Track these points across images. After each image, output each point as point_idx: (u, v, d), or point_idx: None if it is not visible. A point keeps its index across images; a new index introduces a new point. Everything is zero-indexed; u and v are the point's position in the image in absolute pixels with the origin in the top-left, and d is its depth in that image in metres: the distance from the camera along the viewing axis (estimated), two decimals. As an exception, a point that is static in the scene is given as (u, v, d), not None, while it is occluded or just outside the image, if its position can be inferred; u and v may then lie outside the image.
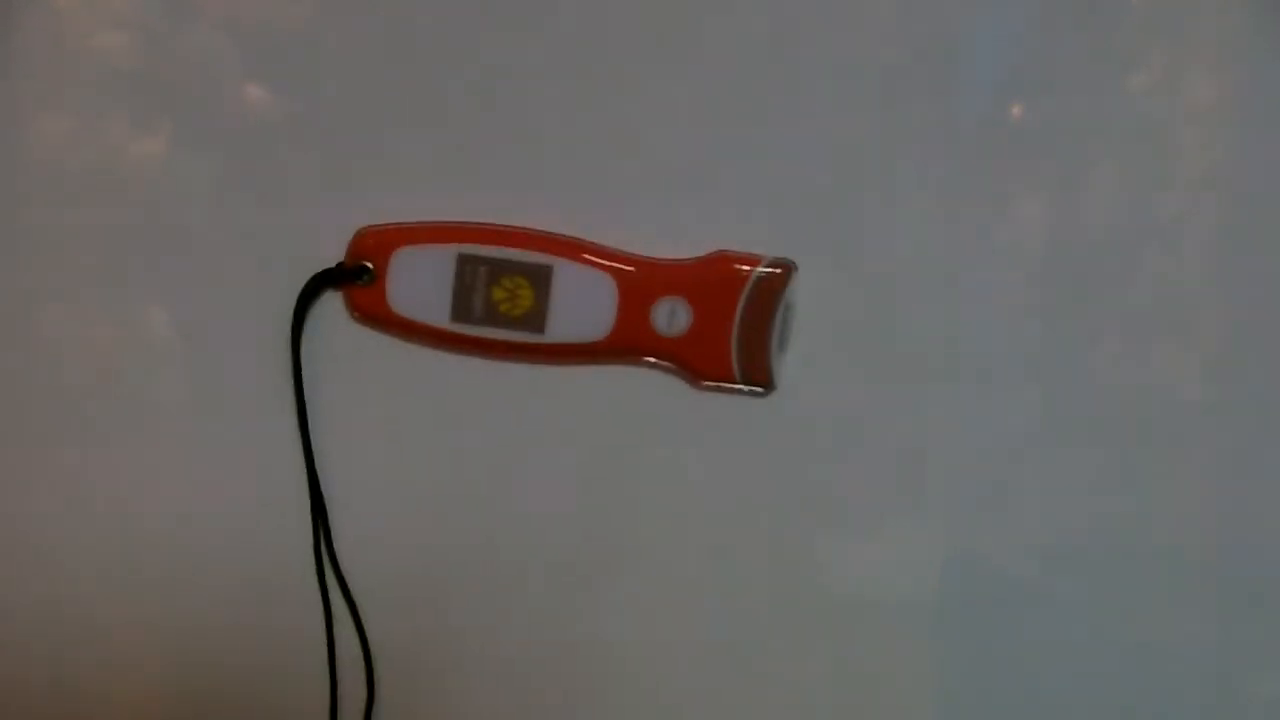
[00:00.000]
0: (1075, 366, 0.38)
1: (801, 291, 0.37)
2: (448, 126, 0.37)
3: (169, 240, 0.38)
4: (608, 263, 0.36)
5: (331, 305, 0.38)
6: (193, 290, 0.38)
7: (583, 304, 0.36)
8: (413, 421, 0.39)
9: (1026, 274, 0.37)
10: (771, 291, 0.36)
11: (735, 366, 0.37)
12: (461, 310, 0.37)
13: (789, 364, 0.38)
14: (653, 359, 0.37)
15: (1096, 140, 0.36)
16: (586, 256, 0.36)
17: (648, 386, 0.38)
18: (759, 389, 0.38)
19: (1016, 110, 0.36)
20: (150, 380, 0.39)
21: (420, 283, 0.36)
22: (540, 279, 0.36)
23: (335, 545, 0.39)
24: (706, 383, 0.38)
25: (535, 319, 0.37)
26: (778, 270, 0.36)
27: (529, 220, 0.37)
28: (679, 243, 0.37)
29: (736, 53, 0.36)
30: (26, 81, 0.37)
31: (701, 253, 0.37)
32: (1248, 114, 0.36)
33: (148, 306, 0.38)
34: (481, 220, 0.37)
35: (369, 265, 0.36)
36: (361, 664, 0.40)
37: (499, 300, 0.36)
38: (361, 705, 0.41)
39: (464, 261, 0.36)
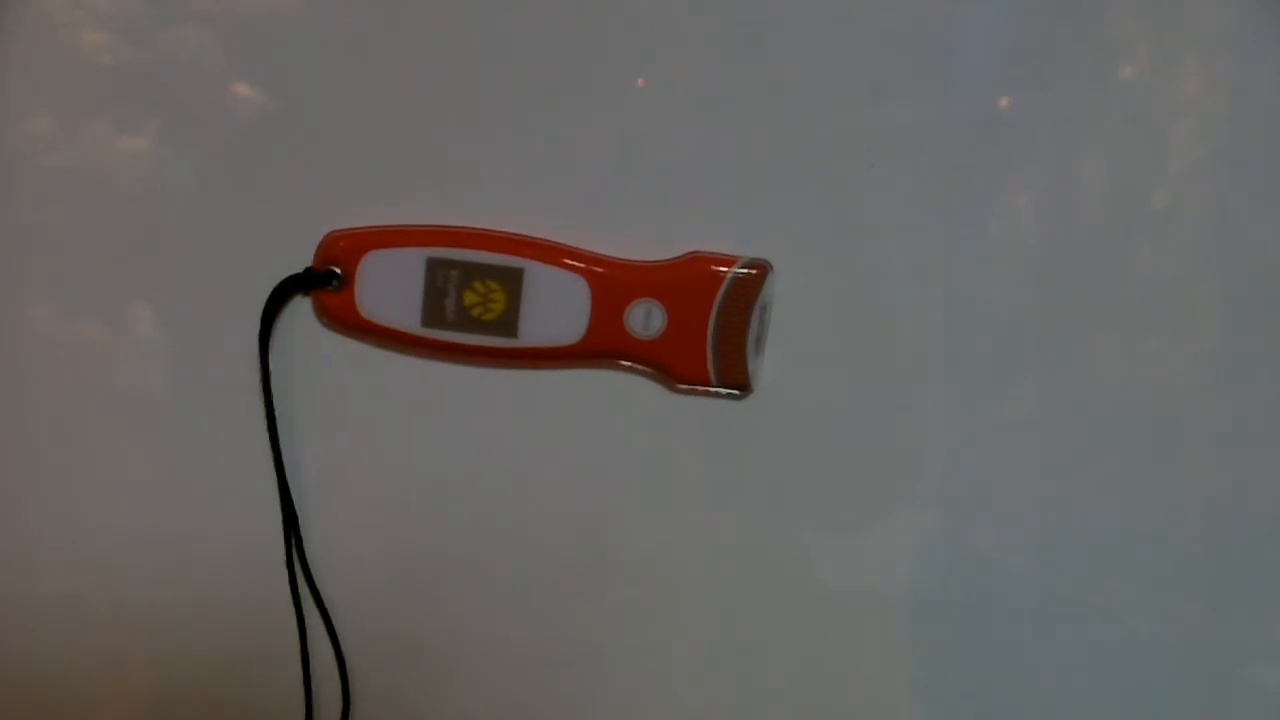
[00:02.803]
0: (1068, 361, 0.37)
1: (786, 291, 0.37)
2: (419, 129, 0.36)
3: (147, 242, 0.37)
4: (581, 265, 0.36)
5: (301, 310, 0.37)
6: (167, 294, 0.37)
7: (556, 307, 0.36)
8: (385, 428, 0.38)
9: (1017, 269, 0.37)
10: (747, 293, 0.36)
11: (711, 369, 0.37)
12: (433, 315, 0.36)
13: (770, 365, 0.37)
14: (628, 362, 0.37)
15: (1088, 133, 0.36)
16: (559, 259, 0.36)
17: (623, 389, 0.38)
18: (736, 391, 0.37)
19: (1006, 103, 0.36)
20: (123, 381, 0.38)
21: (390, 287, 0.36)
22: (513, 282, 0.36)
23: (307, 553, 0.39)
24: (683, 385, 0.37)
25: (508, 323, 0.36)
26: (753, 271, 0.36)
27: (500, 223, 0.36)
28: (655, 244, 0.36)
29: (715, 49, 0.36)
30: (8, 80, 0.36)
31: (676, 254, 0.36)
32: (1239, 105, 0.36)
33: (124, 308, 0.38)
34: (452, 223, 0.36)
35: (338, 270, 0.36)
36: (336, 672, 0.40)
37: (471, 304, 0.36)
38: (337, 713, 0.40)
39: (435, 265, 0.36)
